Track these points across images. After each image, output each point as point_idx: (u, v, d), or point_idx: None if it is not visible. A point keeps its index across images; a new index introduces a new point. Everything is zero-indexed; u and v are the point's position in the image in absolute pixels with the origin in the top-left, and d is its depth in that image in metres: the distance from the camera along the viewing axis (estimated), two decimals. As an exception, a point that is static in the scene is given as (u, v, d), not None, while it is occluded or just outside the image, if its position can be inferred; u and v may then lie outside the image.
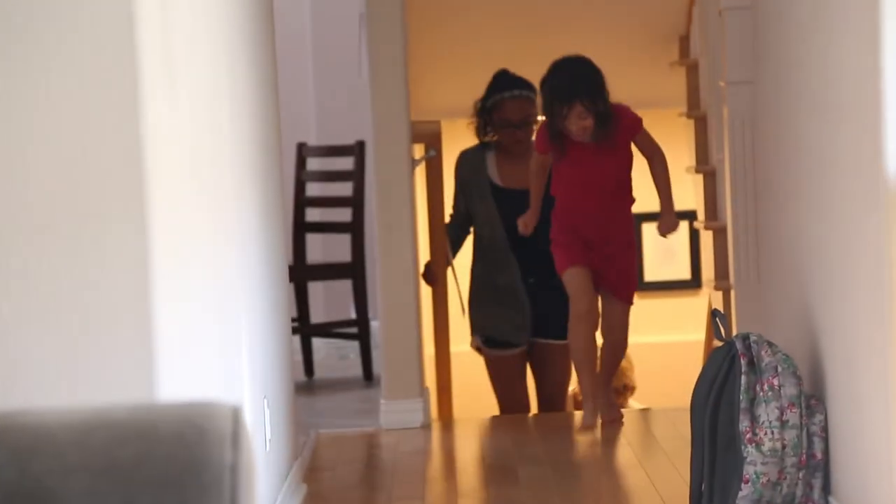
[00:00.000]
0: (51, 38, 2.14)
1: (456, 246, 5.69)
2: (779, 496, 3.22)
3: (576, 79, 4.31)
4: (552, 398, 5.62)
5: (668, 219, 4.55)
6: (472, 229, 5.57)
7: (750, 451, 3.21)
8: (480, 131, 5.35)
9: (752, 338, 3.27)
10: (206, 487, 1.29)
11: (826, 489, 3.28)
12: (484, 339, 5.43)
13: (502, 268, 5.43)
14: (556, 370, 5.51)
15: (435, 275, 5.57)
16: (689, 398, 3.53)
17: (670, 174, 4.64)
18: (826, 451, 3.26)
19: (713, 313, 4.31)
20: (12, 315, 2.07)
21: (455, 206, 5.58)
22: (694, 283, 7.00)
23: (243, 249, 3.14)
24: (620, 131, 4.36)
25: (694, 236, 6.71)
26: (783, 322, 3.78)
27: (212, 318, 2.72)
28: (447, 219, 5.55)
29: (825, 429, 3.25)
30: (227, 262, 2.93)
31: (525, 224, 4.62)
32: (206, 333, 2.65)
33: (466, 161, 5.53)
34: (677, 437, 4.38)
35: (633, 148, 4.56)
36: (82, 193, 2.11)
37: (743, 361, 3.21)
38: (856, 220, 2.98)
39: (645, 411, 5.59)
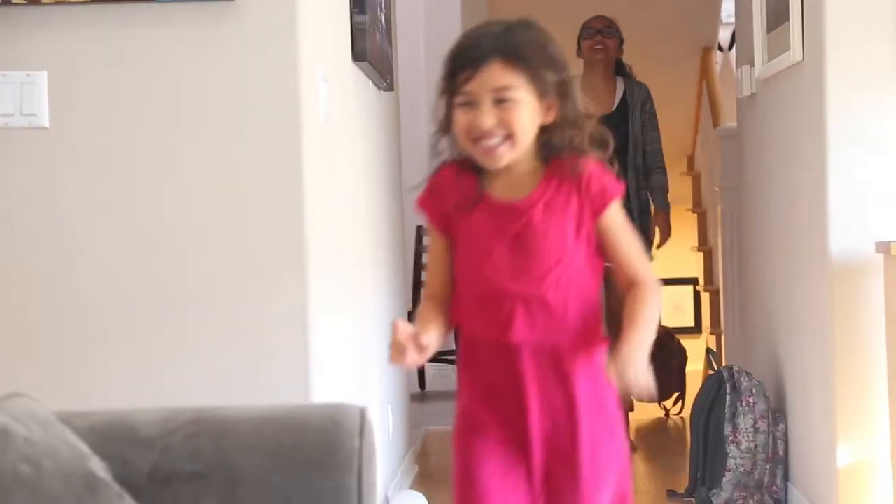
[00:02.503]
0: (245, 153, 2.19)
1: None
2: (752, 481, 3.18)
3: (499, 31, 1.38)
4: None
5: (626, 358, 1.31)
6: None
7: (732, 450, 3.21)
8: None
9: (735, 369, 3.30)
10: (341, 464, 1.35)
11: (786, 477, 3.28)
12: None
13: None
14: None
15: None
16: (690, 411, 3.60)
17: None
18: (786, 450, 3.25)
19: (707, 351, 4.39)
20: (210, 340, 2.15)
21: None
22: (696, 329, 6.79)
23: (376, 297, 3.13)
24: (581, 186, 1.36)
25: (696, 296, 6.69)
26: (758, 357, 3.74)
27: (352, 344, 2.69)
28: None
29: (786, 434, 3.24)
30: (365, 305, 2.91)
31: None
32: (347, 356, 2.63)
33: None
34: (681, 439, 4.50)
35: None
36: (266, 260, 2.18)
37: (728, 385, 3.23)
38: (808, 287, 3.00)
39: (660, 418, 5.26)
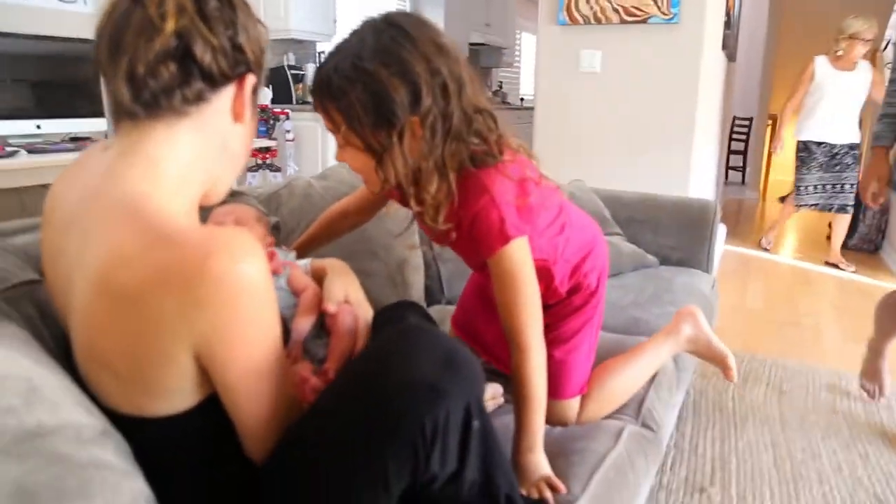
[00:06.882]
0: (678, 90, 2.99)
1: None
2: (875, 235, 4.36)
3: (325, 71, 1.03)
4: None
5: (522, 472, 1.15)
6: None
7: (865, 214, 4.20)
8: None
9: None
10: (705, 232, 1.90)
11: (884, 237, 4.42)
12: None
13: None
14: None
15: None
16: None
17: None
18: (887, 222, 4.43)
19: None
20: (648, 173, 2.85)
21: None
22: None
23: (713, 153, 3.91)
24: (468, 231, 1.12)
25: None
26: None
27: (707, 166, 3.48)
28: None
29: (887, 222, 4.36)
30: (711, 155, 3.77)
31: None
32: (707, 171, 3.49)
33: None
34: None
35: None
36: (671, 131, 2.93)
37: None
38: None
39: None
